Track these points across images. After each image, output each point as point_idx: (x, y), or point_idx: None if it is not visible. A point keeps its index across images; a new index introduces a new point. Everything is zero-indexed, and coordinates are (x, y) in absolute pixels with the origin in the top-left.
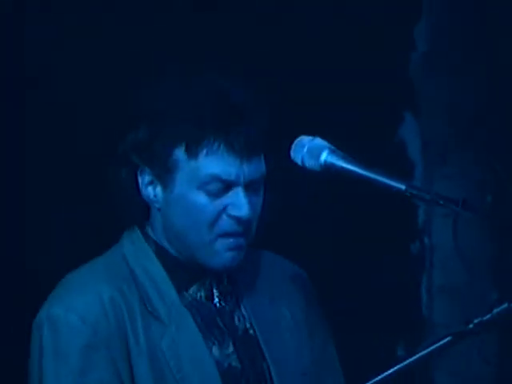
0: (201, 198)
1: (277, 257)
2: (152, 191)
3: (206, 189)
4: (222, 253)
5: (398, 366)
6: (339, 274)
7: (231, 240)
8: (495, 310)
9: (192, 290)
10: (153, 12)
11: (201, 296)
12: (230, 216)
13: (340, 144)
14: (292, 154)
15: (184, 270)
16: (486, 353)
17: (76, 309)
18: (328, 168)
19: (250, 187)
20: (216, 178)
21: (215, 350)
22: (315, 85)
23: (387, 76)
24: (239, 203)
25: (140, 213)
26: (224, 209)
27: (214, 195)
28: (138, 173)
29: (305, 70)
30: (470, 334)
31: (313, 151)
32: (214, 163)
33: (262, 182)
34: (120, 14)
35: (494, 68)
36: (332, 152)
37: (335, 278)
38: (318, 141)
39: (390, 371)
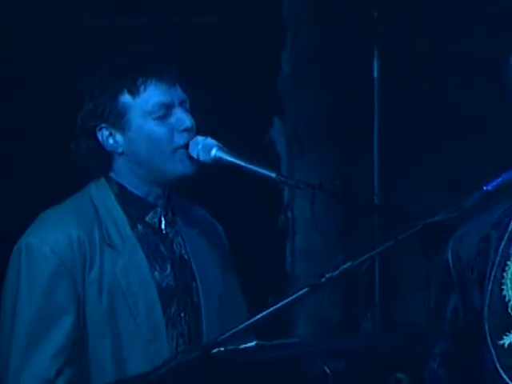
0: (154, 124)
1: (202, 210)
2: (112, 140)
3: (155, 115)
4: (183, 161)
5: (268, 311)
6: None
7: (185, 151)
8: (342, 267)
9: (149, 217)
10: None
11: (155, 222)
12: (180, 131)
13: (225, 143)
14: (189, 150)
15: (141, 203)
16: (334, 300)
17: (48, 241)
18: (217, 161)
19: (182, 106)
20: (158, 104)
21: (156, 273)
22: (208, 95)
23: (261, 91)
24: (182, 118)
25: (103, 166)
26: (173, 128)
27: (162, 118)
28: (97, 132)
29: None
30: (322, 286)
31: (206, 148)
32: (152, 93)
33: (188, 104)
34: None
35: (340, 84)
36: (220, 149)
37: None
38: (210, 140)
39: (261, 314)
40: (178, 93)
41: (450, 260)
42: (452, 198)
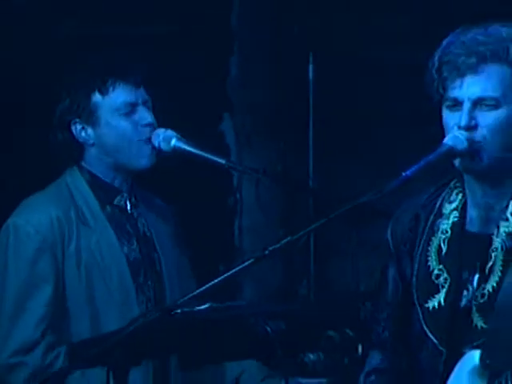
0: (120, 119)
1: (158, 198)
2: (84, 133)
3: (121, 112)
4: (146, 156)
5: (220, 278)
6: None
7: (149, 147)
8: (282, 241)
9: (117, 200)
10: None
11: (121, 204)
12: (142, 125)
13: (182, 135)
14: (151, 140)
15: (109, 188)
16: (275, 269)
17: (33, 222)
18: (176, 150)
19: (145, 105)
20: (124, 102)
21: (125, 248)
22: (168, 94)
23: (213, 90)
24: (145, 115)
25: (76, 156)
26: (137, 123)
27: (127, 115)
28: (72, 126)
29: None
30: (265, 257)
31: (166, 138)
32: (120, 93)
33: (151, 103)
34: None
35: (280, 84)
36: (179, 139)
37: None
38: (170, 132)
39: (214, 281)
40: (141, 94)
41: (390, 236)
42: (376, 182)
